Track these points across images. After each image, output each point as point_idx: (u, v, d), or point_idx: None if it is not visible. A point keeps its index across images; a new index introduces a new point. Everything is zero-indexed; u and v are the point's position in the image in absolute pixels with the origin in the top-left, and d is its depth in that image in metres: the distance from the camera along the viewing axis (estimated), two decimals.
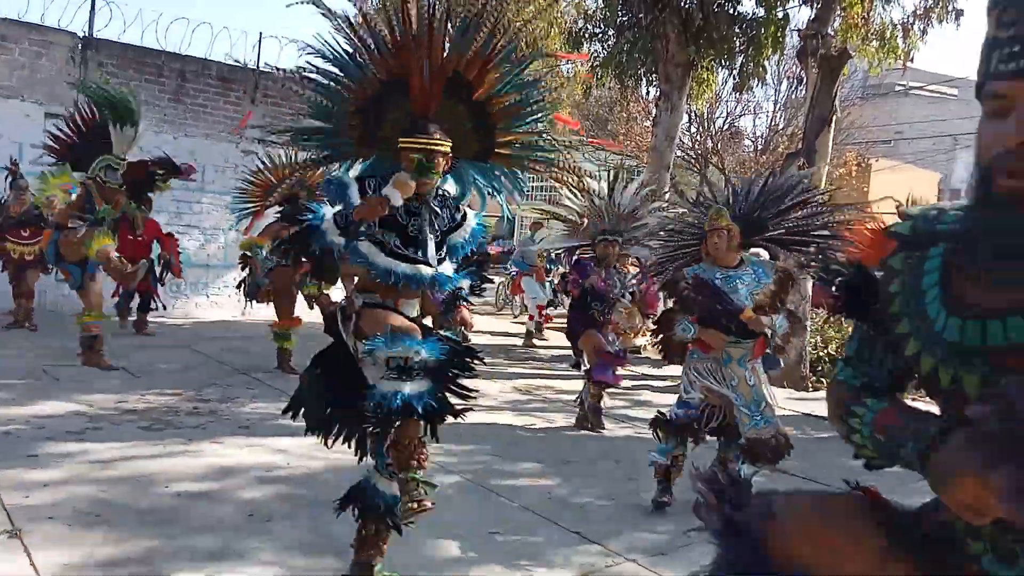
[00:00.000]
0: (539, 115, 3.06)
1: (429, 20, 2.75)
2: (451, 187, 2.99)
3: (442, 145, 2.75)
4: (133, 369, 6.59)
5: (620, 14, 11.05)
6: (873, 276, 1.30)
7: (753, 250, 4.32)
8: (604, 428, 5.86)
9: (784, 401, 6.32)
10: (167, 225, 8.77)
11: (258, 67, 10.54)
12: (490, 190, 3.09)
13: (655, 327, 4.49)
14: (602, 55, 11.51)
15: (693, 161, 19.04)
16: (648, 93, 14.69)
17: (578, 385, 6.38)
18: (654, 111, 11.76)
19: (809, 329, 8.76)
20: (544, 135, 3.09)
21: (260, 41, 10.96)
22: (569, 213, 6.14)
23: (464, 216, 2.96)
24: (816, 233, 4.11)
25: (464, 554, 3.41)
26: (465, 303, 3.02)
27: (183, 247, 8.90)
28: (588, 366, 5.92)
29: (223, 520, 3.56)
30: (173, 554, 3.15)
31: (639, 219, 5.99)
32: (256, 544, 3.32)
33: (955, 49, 48.88)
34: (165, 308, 8.71)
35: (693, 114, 17.53)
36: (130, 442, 4.61)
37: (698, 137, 18.95)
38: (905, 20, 9.56)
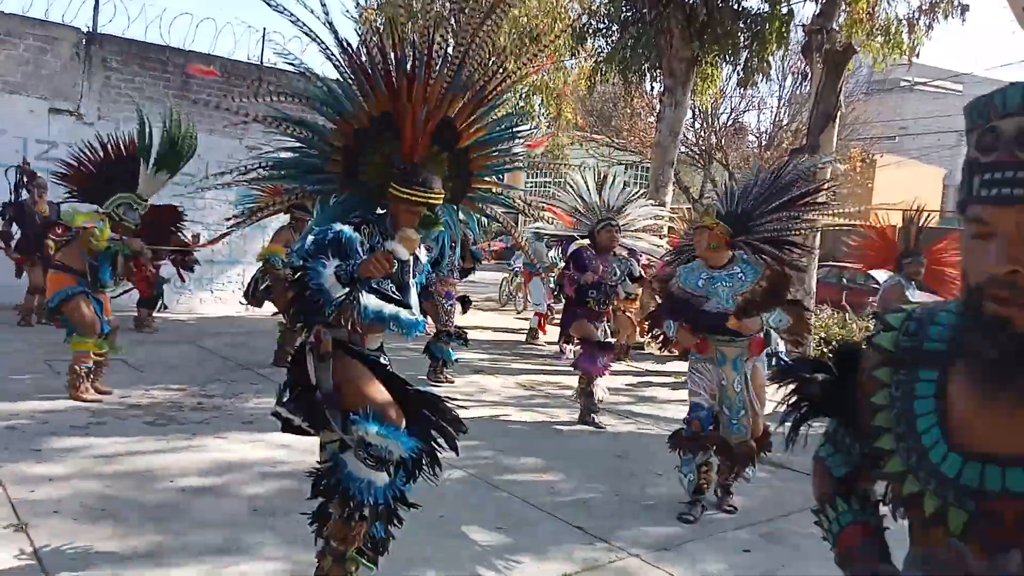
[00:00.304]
0: (515, 165, 3.04)
1: (427, 58, 2.62)
2: None
3: (440, 197, 2.68)
4: (137, 364, 6.61)
5: (624, 9, 11.03)
6: (840, 374, 1.28)
7: None
8: (597, 412, 5.88)
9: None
10: None
11: (262, 63, 10.54)
12: (451, 228, 3.04)
13: (649, 323, 4.51)
14: (606, 51, 11.50)
15: (697, 157, 19.02)
16: (652, 89, 14.68)
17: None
18: (658, 107, 11.72)
19: (813, 325, 8.73)
20: (516, 188, 3.10)
21: (264, 37, 10.96)
22: (564, 208, 6.18)
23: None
24: (786, 240, 4.09)
25: (467, 548, 3.42)
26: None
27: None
28: (572, 357, 6.01)
29: (227, 515, 3.58)
30: (178, 548, 3.17)
31: (627, 214, 6.12)
32: (260, 539, 3.34)
33: (960, 45, 48.68)
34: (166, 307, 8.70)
35: (697, 110, 17.50)
36: (134, 437, 4.63)
37: (702, 133, 18.91)
38: (910, 15, 9.53)
